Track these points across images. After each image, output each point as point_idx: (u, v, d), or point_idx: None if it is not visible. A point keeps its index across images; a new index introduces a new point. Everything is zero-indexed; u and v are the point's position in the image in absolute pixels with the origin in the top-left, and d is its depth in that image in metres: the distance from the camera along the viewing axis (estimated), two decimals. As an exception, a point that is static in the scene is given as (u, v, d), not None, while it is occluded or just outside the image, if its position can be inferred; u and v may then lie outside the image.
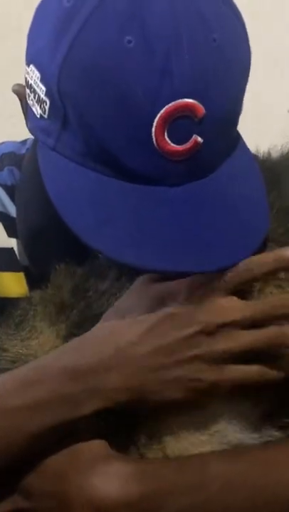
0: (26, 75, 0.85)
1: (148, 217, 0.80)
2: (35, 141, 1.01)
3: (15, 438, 0.80)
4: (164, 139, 0.78)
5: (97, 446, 0.81)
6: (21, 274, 1.01)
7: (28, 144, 1.05)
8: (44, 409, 0.79)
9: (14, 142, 1.07)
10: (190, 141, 0.79)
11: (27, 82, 0.85)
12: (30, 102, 0.85)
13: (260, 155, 0.98)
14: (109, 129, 0.79)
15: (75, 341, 0.83)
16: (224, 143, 0.83)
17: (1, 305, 0.97)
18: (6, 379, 0.83)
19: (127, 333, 0.80)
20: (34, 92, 0.83)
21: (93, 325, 0.86)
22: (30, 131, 0.87)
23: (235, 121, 0.85)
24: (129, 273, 0.89)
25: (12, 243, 1.01)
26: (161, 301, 0.81)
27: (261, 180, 0.86)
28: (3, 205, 1.02)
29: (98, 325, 0.84)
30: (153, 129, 0.78)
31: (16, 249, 1.01)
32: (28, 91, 0.85)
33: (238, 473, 0.81)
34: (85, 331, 0.87)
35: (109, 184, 0.80)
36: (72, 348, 0.82)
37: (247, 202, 0.83)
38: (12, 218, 1.01)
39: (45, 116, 0.82)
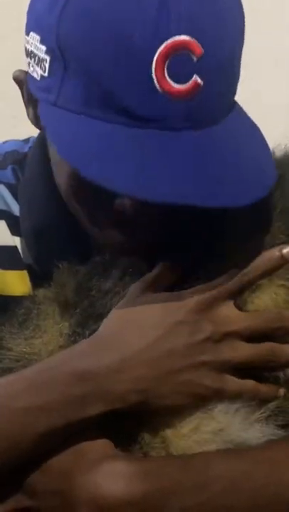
0: (26, 45, 0.87)
1: (156, 157, 0.80)
2: (38, 140, 1.02)
3: (22, 438, 0.80)
4: (165, 77, 0.79)
5: (101, 445, 0.82)
6: (25, 273, 1.01)
7: (31, 143, 1.05)
8: (51, 411, 0.80)
9: (17, 140, 1.07)
10: (190, 81, 0.80)
11: (27, 52, 0.87)
12: (30, 69, 0.86)
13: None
14: (110, 71, 0.80)
15: (83, 344, 0.84)
16: (223, 93, 0.84)
17: (4, 304, 0.97)
18: (14, 379, 0.83)
19: (137, 337, 0.81)
20: (34, 56, 0.85)
21: (97, 324, 0.87)
22: (30, 98, 0.88)
23: (233, 74, 0.85)
24: (132, 272, 0.89)
25: (15, 241, 1.01)
26: (168, 310, 0.82)
27: (264, 141, 0.86)
28: (7, 204, 1.01)
29: (106, 327, 0.84)
30: (153, 68, 0.79)
31: (19, 247, 1.01)
32: (28, 61, 0.87)
33: (240, 472, 0.82)
34: (89, 330, 0.87)
35: (114, 130, 0.81)
36: (81, 350, 0.83)
37: (252, 156, 0.84)
38: (15, 217, 1.01)
39: (46, 74, 0.84)
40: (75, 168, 0.80)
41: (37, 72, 0.85)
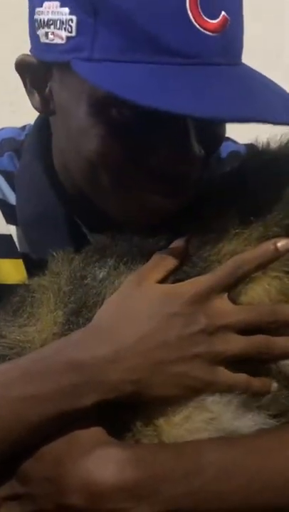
0: (39, 17, 0.88)
1: (208, 85, 0.84)
2: (36, 127, 1.02)
3: (15, 427, 0.80)
4: (199, 13, 0.83)
5: (93, 432, 0.82)
6: (20, 261, 1.01)
7: (27, 130, 1.05)
8: (45, 400, 0.80)
9: (13, 128, 1.07)
10: (220, 16, 0.84)
11: (42, 22, 0.88)
12: (50, 37, 0.88)
13: (260, 145, 0.99)
14: (146, 12, 0.83)
15: (78, 334, 0.84)
16: (241, 34, 0.90)
17: (-1, 292, 0.97)
18: (9, 368, 0.83)
19: (131, 328, 0.81)
20: (54, 22, 0.87)
21: (91, 312, 0.87)
22: (55, 62, 0.89)
23: (242, 17, 0.90)
24: (127, 261, 0.89)
25: (10, 230, 1.01)
26: (164, 302, 0.83)
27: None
28: (2, 191, 1.02)
29: (101, 317, 0.84)
30: (187, 3, 0.83)
31: (14, 236, 1.01)
32: (42, 31, 0.88)
33: (233, 460, 0.82)
34: (83, 319, 0.87)
35: (160, 68, 0.83)
36: (76, 340, 0.83)
37: (279, 89, 0.89)
38: (10, 205, 1.01)
39: (73, 34, 0.86)
40: (135, 101, 0.81)
41: (60, 37, 0.86)
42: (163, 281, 0.85)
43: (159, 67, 0.83)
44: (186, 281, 0.84)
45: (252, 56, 0.92)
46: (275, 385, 0.84)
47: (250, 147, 1.02)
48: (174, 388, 0.82)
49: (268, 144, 0.98)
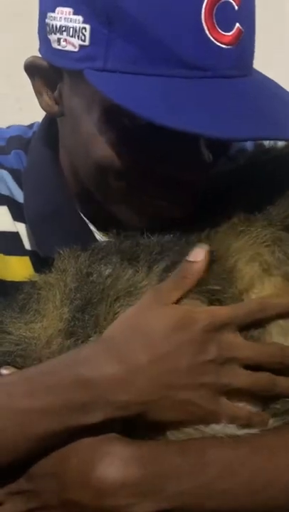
0: (51, 22, 0.88)
1: (222, 101, 0.84)
2: (44, 125, 1.02)
3: (20, 439, 0.80)
4: (214, 24, 0.83)
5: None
6: (27, 259, 1.01)
7: (35, 128, 1.05)
8: (53, 415, 0.80)
9: (21, 126, 1.07)
10: (234, 28, 0.85)
11: (54, 28, 0.88)
12: (62, 44, 0.87)
13: (266, 142, 0.99)
14: (162, 25, 0.82)
15: (88, 348, 0.84)
16: (253, 45, 0.90)
17: (5, 289, 0.97)
18: (16, 379, 0.83)
19: (143, 350, 0.81)
20: (66, 30, 0.86)
21: (96, 309, 0.87)
22: (67, 69, 0.89)
23: (255, 28, 0.90)
24: (132, 258, 0.89)
25: (17, 227, 1.01)
26: (179, 327, 0.82)
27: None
28: (9, 189, 1.02)
29: (113, 333, 0.84)
30: (202, 17, 0.83)
31: (22, 233, 1.02)
32: (54, 37, 0.88)
33: (237, 457, 0.82)
34: (88, 315, 0.87)
35: (174, 82, 0.83)
36: (86, 356, 0.82)
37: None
38: (18, 203, 1.01)
39: (87, 43, 0.85)
40: (151, 119, 0.82)
41: (73, 44, 0.86)
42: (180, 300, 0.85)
43: (173, 81, 0.83)
44: (204, 309, 0.84)
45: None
46: (271, 421, 0.85)
47: (257, 145, 1.02)
48: (178, 414, 0.82)
49: (275, 141, 0.98)
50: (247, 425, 0.83)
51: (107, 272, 0.89)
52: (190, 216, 0.91)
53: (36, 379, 0.82)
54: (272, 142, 0.98)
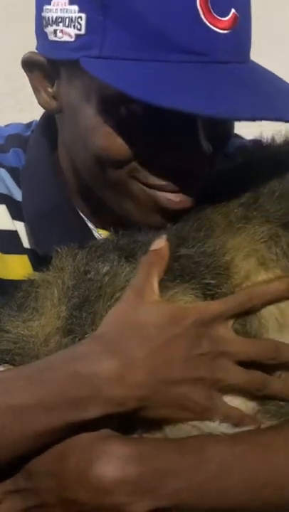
0: (47, 14, 0.89)
1: (217, 83, 0.84)
2: (42, 123, 1.02)
3: (18, 436, 0.80)
4: (209, 10, 0.84)
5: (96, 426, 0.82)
6: (25, 257, 1.01)
7: (33, 126, 1.05)
8: (50, 410, 0.79)
9: (19, 124, 1.08)
10: (230, 14, 0.85)
11: (50, 20, 0.89)
12: (59, 35, 0.88)
13: (264, 140, 0.99)
14: (157, 10, 0.83)
15: (84, 345, 0.84)
16: (249, 32, 0.90)
17: (3, 287, 0.97)
18: (13, 376, 0.83)
19: (139, 344, 0.81)
20: (62, 20, 0.87)
21: (93, 306, 0.87)
22: (60, 60, 0.89)
23: (251, 16, 0.90)
24: (129, 256, 0.89)
25: (16, 226, 1.01)
26: (171, 321, 0.83)
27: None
28: (7, 188, 1.02)
29: (108, 329, 0.84)
30: (197, 1, 0.83)
31: (20, 232, 1.02)
32: (50, 29, 0.88)
33: (235, 455, 0.82)
34: (86, 313, 0.87)
35: (170, 66, 0.84)
36: (82, 352, 0.82)
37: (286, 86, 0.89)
38: (16, 201, 1.01)
39: (82, 32, 0.86)
40: (147, 101, 0.82)
41: (69, 34, 0.87)
42: (161, 287, 0.85)
43: (169, 65, 0.84)
44: (194, 304, 0.84)
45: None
46: (262, 425, 0.85)
47: (256, 142, 1.02)
48: (174, 409, 0.82)
49: (273, 139, 0.98)
50: (239, 425, 0.83)
51: (105, 269, 0.89)
52: (188, 214, 0.91)
53: (33, 376, 0.82)
54: (270, 139, 0.98)
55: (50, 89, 0.94)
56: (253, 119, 0.83)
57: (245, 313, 0.84)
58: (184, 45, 0.84)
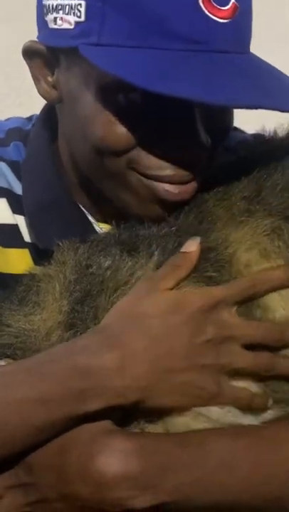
0: (47, 2, 0.89)
1: (216, 72, 0.84)
2: (43, 115, 1.02)
3: (19, 429, 0.79)
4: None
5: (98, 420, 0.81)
6: (26, 251, 1.01)
7: (34, 120, 1.05)
8: (50, 403, 0.79)
9: (20, 118, 1.07)
10: (230, 3, 0.85)
11: (50, 7, 0.89)
12: (59, 23, 0.88)
13: (267, 133, 0.99)
14: None
15: (85, 337, 0.83)
16: (250, 23, 0.90)
17: (4, 281, 0.97)
18: (14, 369, 0.82)
19: (139, 335, 0.81)
20: (62, 8, 0.87)
21: (95, 301, 0.87)
22: (60, 47, 0.89)
23: (252, 7, 0.90)
24: (131, 250, 0.89)
25: (17, 220, 1.01)
26: (173, 309, 0.82)
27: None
28: (8, 182, 1.01)
29: (109, 322, 0.84)
30: None
31: (21, 226, 1.01)
32: (50, 17, 0.89)
33: (236, 451, 0.82)
34: (88, 307, 0.87)
35: (168, 54, 0.83)
36: (83, 345, 0.82)
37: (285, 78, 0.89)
38: (17, 195, 1.01)
39: (82, 19, 0.86)
40: (144, 87, 0.82)
41: (69, 22, 0.87)
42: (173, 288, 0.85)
43: (167, 53, 0.83)
44: (197, 290, 0.84)
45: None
46: (271, 401, 0.84)
47: (258, 136, 1.02)
48: (179, 397, 0.81)
49: (275, 132, 0.97)
50: (248, 407, 0.83)
51: (107, 263, 0.88)
52: (190, 207, 0.91)
53: (34, 369, 0.81)
54: (272, 133, 0.98)
55: (50, 79, 0.94)
56: (251, 107, 0.83)
57: (248, 300, 0.84)
58: (183, 34, 0.83)
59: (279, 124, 0.98)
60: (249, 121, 1.04)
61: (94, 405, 0.79)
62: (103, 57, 0.84)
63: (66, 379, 0.80)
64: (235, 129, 1.06)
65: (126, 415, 0.82)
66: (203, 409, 0.83)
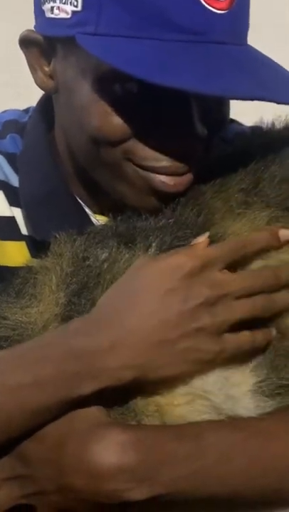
0: None
1: (205, 62, 0.84)
2: (39, 107, 1.01)
3: (15, 415, 0.79)
4: None
5: (95, 413, 0.81)
6: (23, 244, 1.01)
7: (31, 112, 1.05)
8: (46, 387, 0.79)
9: (16, 110, 1.07)
10: None
11: None
12: (55, 12, 0.88)
13: (264, 125, 0.98)
14: None
15: (77, 322, 0.83)
16: (247, 16, 0.90)
17: (2, 274, 0.97)
18: (7, 355, 0.82)
19: (129, 311, 0.81)
20: None
21: (92, 293, 0.86)
22: (57, 36, 0.89)
23: (249, 3, 0.90)
24: (128, 242, 0.89)
25: (13, 212, 1.01)
26: (160, 278, 0.82)
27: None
28: (4, 174, 1.01)
29: (100, 304, 0.84)
30: None
31: (18, 219, 1.01)
32: (47, 6, 0.89)
33: (234, 443, 0.81)
34: (84, 299, 0.87)
35: (166, 44, 0.83)
36: (75, 328, 0.82)
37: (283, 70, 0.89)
38: (13, 187, 1.01)
39: (79, 8, 0.86)
40: (141, 77, 0.81)
41: (66, 11, 0.87)
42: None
43: (164, 44, 0.83)
44: (182, 252, 0.83)
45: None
46: (274, 331, 0.84)
47: (255, 128, 1.01)
48: (182, 365, 0.81)
49: (273, 124, 0.97)
50: (254, 348, 0.82)
51: (104, 256, 0.88)
52: (187, 199, 0.91)
53: (27, 354, 0.81)
54: (270, 125, 0.98)
55: (46, 68, 0.93)
56: (248, 98, 0.83)
57: (237, 261, 0.83)
58: (180, 24, 0.83)
59: (277, 116, 0.98)
60: (247, 113, 1.03)
61: (88, 387, 0.79)
62: (100, 47, 0.84)
63: (60, 362, 0.80)
64: (233, 121, 1.06)
65: (122, 407, 0.82)
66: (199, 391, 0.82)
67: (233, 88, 0.83)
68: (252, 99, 0.83)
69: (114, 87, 0.86)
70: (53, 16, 0.88)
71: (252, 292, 0.82)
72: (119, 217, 0.92)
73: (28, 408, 0.79)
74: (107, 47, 0.84)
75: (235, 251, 0.83)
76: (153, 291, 0.81)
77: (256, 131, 1.00)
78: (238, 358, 0.83)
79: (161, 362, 0.80)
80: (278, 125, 0.98)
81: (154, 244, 0.87)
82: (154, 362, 0.80)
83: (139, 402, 0.83)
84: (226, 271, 0.83)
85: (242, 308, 0.81)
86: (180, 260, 0.82)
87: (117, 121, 0.87)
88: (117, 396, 0.82)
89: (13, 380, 0.80)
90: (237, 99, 0.85)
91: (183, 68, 0.82)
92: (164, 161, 0.89)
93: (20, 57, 0.96)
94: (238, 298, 0.82)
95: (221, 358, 0.82)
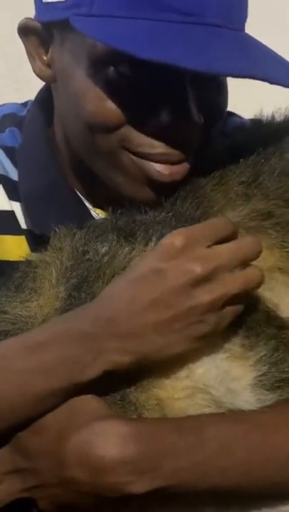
0: None
1: (198, 41, 0.84)
2: (38, 100, 1.01)
3: (19, 400, 0.79)
4: None
5: (95, 405, 0.81)
6: (22, 238, 1.01)
7: (29, 106, 1.05)
8: (49, 372, 0.79)
9: (15, 104, 1.07)
10: None
11: None
12: None
13: (264, 118, 0.98)
14: None
15: (77, 309, 0.84)
16: (245, 4, 0.90)
17: (1, 268, 0.97)
18: (12, 341, 0.83)
19: (123, 292, 0.81)
20: None
21: (92, 287, 0.86)
22: (52, 21, 0.89)
23: None
24: (128, 236, 0.89)
25: (13, 206, 1.01)
26: (150, 259, 0.81)
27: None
28: (4, 168, 1.01)
29: (101, 294, 0.84)
30: None
31: (17, 212, 1.01)
32: None
33: (235, 436, 0.81)
34: (84, 293, 0.87)
35: (160, 24, 0.83)
36: (75, 314, 0.83)
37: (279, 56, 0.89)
38: (13, 181, 1.01)
39: None
40: (132, 53, 0.81)
41: None
42: None
43: (157, 23, 0.83)
44: (168, 235, 0.82)
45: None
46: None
47: (255, 121, 1.01)
48: (179, 344, 0.80)
49: (273, 117, 0.97)
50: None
51: (104, 249, 0.88)
52: (186, 192, 0.91)
53: (31, 339, 0.82)
54: (270, 117, 0.98)
55: (44, 57, 0.94)
56: (239, 76, 0.82)
57: (221, 240, 0.82)
58: (175, 5, 0.83)
59: (276, 108, 0.98)
60: (247, 107, 1.03)
61: (92, 371, 0.79)
62: (94, 27, 0.84)
63: (60, 346, 0.80)
64: (233, 114, 1.06)
65: (123, 400, 0.82)
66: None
67: (224, 64, 0.82)
68: (243, 77, 0.82)
69: (108, 71, 0.87)
70: (49, 0, 0.88)
71: (243, 261, 0.81)
72: (118, 211, 0.92)
73: (33, 393, 0.79)
74: (100, 27, 0.84)
75: (225, 228, 0.82)
76: (142, 272, 0.81)
77: (256, 124, 1.00)
78: (239, 351, 0.83)
79: (159, 343, 0.80)
80: (278, 118, 0.98)
81: (154, 238, 0.87)
82: (152, 344, 0.80)
83: (139, 396, 0.83)
84: (212, 246, 0.81)
85: (237, 282, 0.80)
86: (166, 241, 0.81)
87: (111, 106, 0.87)
88: (118, 389, 0.82)
89: (16, 366, 0.80)
90: (228, 75, 0.85)
91: (174, 45, 0.82)
92: (160, 148, 0.88)
93: (18, 53, 0.96)
94: (230, 270, 0.80)
95: (220, 329, 0.81)
